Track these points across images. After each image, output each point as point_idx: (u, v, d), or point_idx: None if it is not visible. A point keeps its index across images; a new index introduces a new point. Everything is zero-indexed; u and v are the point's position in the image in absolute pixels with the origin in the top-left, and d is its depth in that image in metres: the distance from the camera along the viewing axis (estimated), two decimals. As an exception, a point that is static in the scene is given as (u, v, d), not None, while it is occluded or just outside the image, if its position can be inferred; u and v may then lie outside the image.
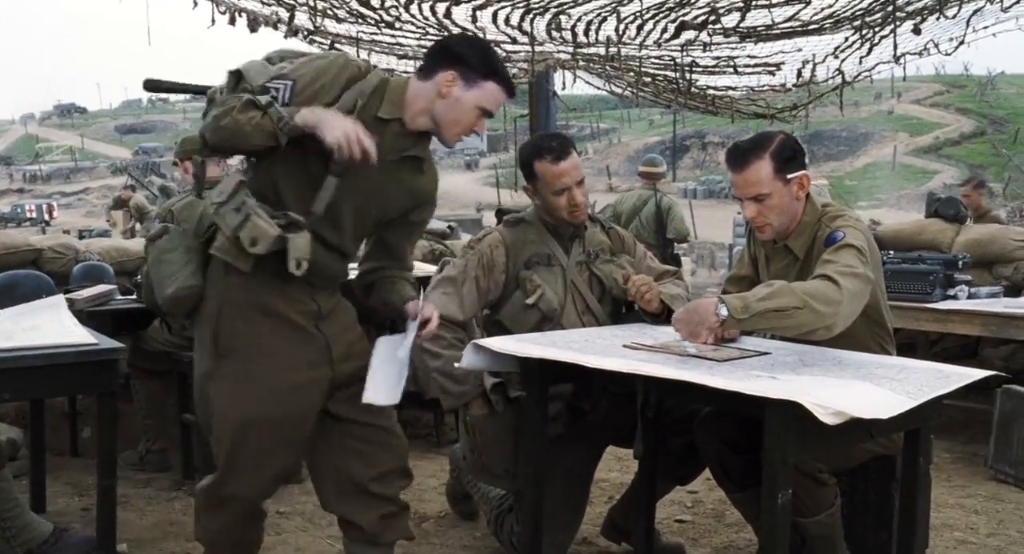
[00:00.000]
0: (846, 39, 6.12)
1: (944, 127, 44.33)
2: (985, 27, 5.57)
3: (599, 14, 5.74)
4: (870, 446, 2.40)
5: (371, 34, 6.27)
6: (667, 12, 5.57)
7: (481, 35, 5.78)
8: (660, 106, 9.16)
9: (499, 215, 2.94)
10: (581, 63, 6.98)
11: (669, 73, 7.14)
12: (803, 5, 5.22)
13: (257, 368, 2.07)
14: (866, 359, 2.26)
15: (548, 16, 5.82)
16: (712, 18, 5.35)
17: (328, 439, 2.22)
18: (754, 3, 5.03)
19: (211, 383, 2.10)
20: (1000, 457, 3.88)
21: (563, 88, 7.22)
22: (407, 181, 2.19)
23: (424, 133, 2.15)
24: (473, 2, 5.47)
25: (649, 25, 5.92)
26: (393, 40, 6.55)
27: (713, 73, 7.21)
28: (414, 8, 5.68)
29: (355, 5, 5.57)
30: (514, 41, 6.56)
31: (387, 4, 5.56)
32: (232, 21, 5.41)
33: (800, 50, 6.51)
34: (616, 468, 3.85)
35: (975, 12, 5.25)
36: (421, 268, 3.78)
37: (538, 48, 6.40)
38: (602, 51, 6.37)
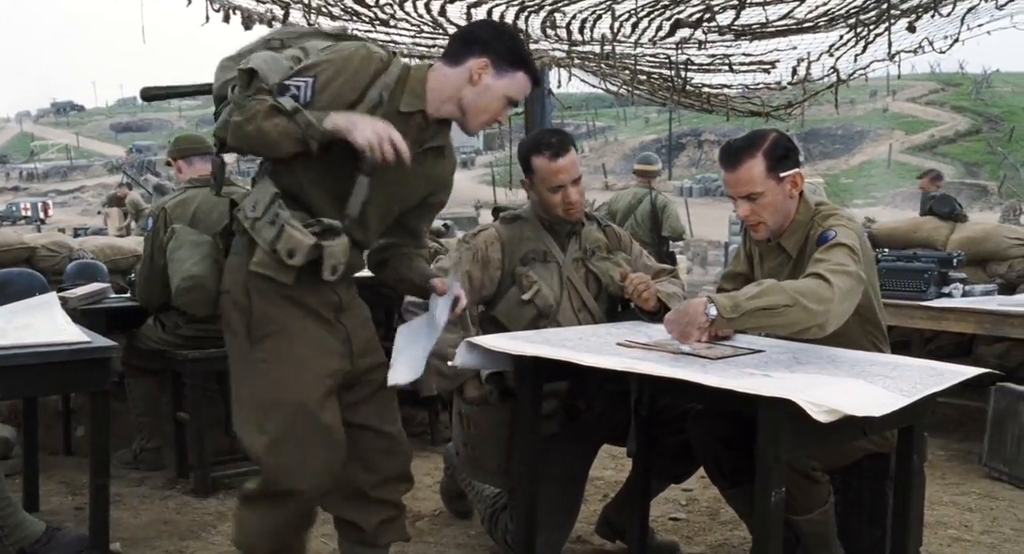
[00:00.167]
0: (841, 37, 6.11)
1: (939, 125, 44.44)
2: (980, 25, 5.57)
3: (594, 12, 5.73)
4: (864, 444, 2.41)
5: (365, 31, 6.25)
6: (662, 10, 5.56)
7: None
8: (656, 104, 9.15)
9: (495, 213, 2.93)
10: (576, 61, 6.96)
11: (664, 71, 7.13)
12: (798, 3, 5.22)
13: (302, 350, 2.02)
14: (860, 357, 2.25)
15: (543, 14, 5.81)
16: (707, 16, 5.34)
17: None
18: (749, 1, 5.03)
19: (251, 368, 2.03)
20: (994, 455, 3.89)
21: (558, 86, 7.20)
22: (429, 170, 2.16)
23: (444, 120, 2.11)
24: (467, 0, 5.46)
25: (644, 23, 5.91)
26: (388, 38, 6.53)
27: (708, 71, 7.20)
28: (408, 5, 5.67)
29: (349, 2, 5.54)
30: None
31: (382, 2, 5.55)
32: (226, 19, 5.39)
33: (795, 48, 6.50)
34: (610, 466, 3.85)
35: (970, 10, 5.24)
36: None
37: (533, 46, 6.37)
38: (597, 49, 6.35)
